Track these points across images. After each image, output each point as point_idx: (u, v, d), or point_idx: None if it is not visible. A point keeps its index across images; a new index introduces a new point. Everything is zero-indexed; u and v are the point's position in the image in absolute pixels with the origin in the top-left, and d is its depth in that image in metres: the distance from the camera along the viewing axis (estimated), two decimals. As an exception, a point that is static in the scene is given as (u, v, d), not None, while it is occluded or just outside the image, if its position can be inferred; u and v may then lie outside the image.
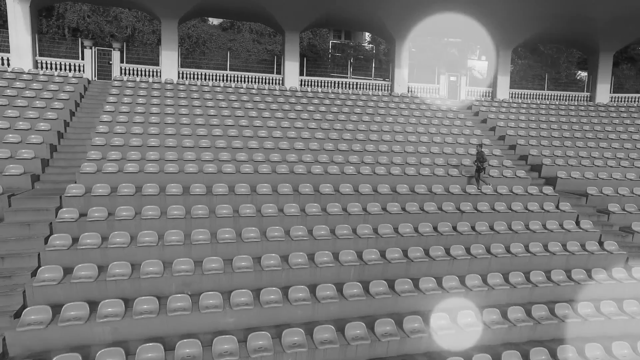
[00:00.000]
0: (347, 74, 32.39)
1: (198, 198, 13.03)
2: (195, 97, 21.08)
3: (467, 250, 12.70)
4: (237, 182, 14.60)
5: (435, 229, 13.51)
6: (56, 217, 11.46)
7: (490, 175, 17.28)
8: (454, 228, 13.73)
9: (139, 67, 23.29)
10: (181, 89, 21.95)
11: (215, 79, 24.29)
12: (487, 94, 27.83)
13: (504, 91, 27.43)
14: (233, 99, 21.48)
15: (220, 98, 21.36)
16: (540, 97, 28.18)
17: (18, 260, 9.96)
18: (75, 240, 10.66)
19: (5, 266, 9.84)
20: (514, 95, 28.06)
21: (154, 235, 10.99)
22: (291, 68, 24.98)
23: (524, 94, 28.20)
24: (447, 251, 12.49)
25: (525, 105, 26.13)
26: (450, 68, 35.78)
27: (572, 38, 28.06)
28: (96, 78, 22.75)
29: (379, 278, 11.09)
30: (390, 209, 13.98)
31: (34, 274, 9.74)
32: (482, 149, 16.78)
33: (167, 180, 14.03)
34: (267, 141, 17.59)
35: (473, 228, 13.84)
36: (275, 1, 23.06)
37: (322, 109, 21.76)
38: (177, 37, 23.57)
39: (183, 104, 19.94)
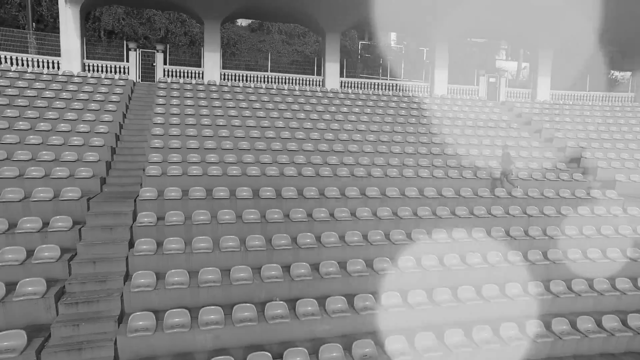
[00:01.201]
0: (378, 75, 32.16)
1: (269, 202, 12.91)
2: (240, 98, 21.02)
3: (544, 255, 12.46)
4: (301, 185, 14.48)
5: (507, 233, 13.30)
6: (134, 221, 11.42)
7: (515, 178, 16.78)
8: (526, 232, 13.51)
9: (182, 68, 23.29)
10: (225, 90, 21.90)
11: (256, 81, 24.23)
12: (527, 95, 27.47)
13: (544, 92, 27.06)
14: (278, 100, 21.39)
15: (266, 99, 21.27)
16: (583, 98, 27.75)
17: (108, 264, 9.91)
18: (159, 244, 10.60)
19: (98, 270, 9.79)
20: (554, 96, 27.67)
21: (236, 240, 10.89)
22: (332, 69, 24.84)
23: (565, 95, 27.80)
24: (525, 256, 12.27)
25: (567, 107, 25.73)
26: (480, 69, 35.41)
27: (613, 37, 27.60)
28: (140, 80, 22.80)
29: (464, 284, 10.91)
30: (459, 213, 13.78)
31: (126, 278, 9.70)
32: (508, 150, 16.38)
33: (234, 184, 13.94)
34: (321, 144, 17.46)
35: (544, 232, 13.60)
36: (318, 2, 22.95)
37: (368, 110, 21.59)
38: (219, 39, 23.55)
39: (230, 106, 19.89)
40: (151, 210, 11.89)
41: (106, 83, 20.27)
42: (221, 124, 17.99)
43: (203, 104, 19.65)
